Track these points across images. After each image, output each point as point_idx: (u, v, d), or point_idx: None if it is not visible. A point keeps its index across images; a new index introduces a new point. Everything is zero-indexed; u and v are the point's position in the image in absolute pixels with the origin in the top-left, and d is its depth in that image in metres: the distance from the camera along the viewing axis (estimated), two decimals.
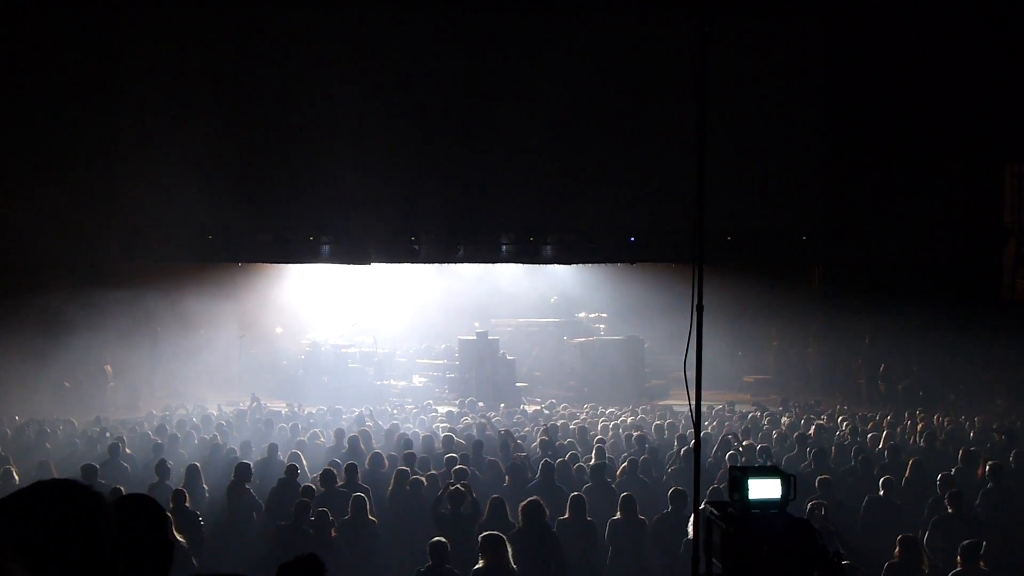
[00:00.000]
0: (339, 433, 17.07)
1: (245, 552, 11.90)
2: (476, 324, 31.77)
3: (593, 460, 14.37)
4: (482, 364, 27.39)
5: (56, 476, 12.67)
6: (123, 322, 25.67)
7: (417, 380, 28.95)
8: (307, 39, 26.37)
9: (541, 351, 30.39)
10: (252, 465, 13.77)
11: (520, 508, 10.86)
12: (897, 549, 10.17)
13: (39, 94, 24.79)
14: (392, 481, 13.11)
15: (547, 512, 10.91)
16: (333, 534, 11.11)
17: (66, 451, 16.04)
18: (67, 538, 2.49)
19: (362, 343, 29.43)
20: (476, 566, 9.49)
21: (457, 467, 13.42)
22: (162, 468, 13.60)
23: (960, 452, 14.98)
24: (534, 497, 11.11)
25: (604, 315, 31.22)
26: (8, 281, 24.81)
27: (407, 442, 16.28)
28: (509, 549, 9.53)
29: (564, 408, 23.40)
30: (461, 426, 19.33)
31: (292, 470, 13.32)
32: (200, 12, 26.34)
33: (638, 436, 16.64)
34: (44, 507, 2.52)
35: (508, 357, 27.93)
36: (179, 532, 9.71)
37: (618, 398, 25.55)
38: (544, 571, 10.47)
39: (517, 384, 28.22)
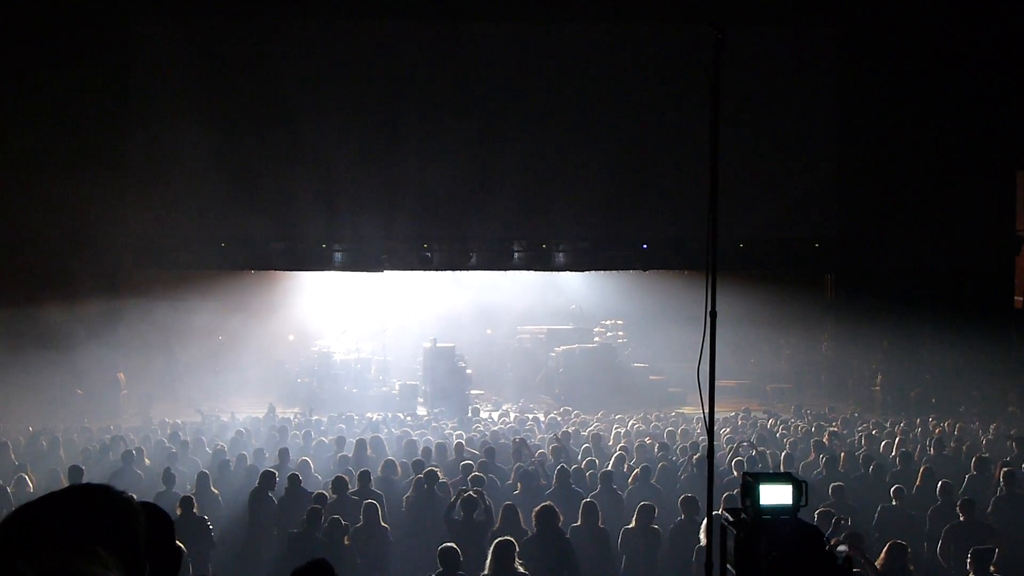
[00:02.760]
0: (343, 441, 17.12)
1: (262, 559, 11.93)
2: (489, 331, 31.75)
3: (610, 467, 14.43)
4: (435, 372, 27.38)
5: (67, 484, 12.73)
6: (136, 330, 25.74)
7: (399, 387, 28.87)
8: (320, 46, 26.46)
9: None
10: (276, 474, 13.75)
11: (533, 514, 10.87)
12: (882, 554, 10.11)
13: (50, 100, 24.85)
14: (411, 488, 13.15)
15: (561, 518, 10.91)
16: (346, 542, 11.10)
17: (80, 459, 16.06)
18: (105, 539, 2.51)
19: (355, 350, 29.43)
20: (483, 572, 9.52)
21: (473, 474, 13.39)
22: (168, 476, 13.65)
23: (974, 459, 14.95)
24: (547, 503, 11.12)
25: (620, 322, 31.12)
26: (22, 289, 24.88)
27: (423, 450, 16.31)
28: (517, 555, 9.54)
29: (577, 416, 23.40)
30: (475, 434, 19.40)
31: (294, 478, 13.27)
32: (212, 21, 26.43)
33: (650, 443, 16.67)
34: (82, 508, 2.54)
35: (460, 364, 27.85)
36: (188, 538, 9.74)
37: (588, 404, 25.51)
38: None
39: (471, 392, 28.07)
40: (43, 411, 22.64)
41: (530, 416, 23.31)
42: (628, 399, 26.71)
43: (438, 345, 27.69)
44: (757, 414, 22.82)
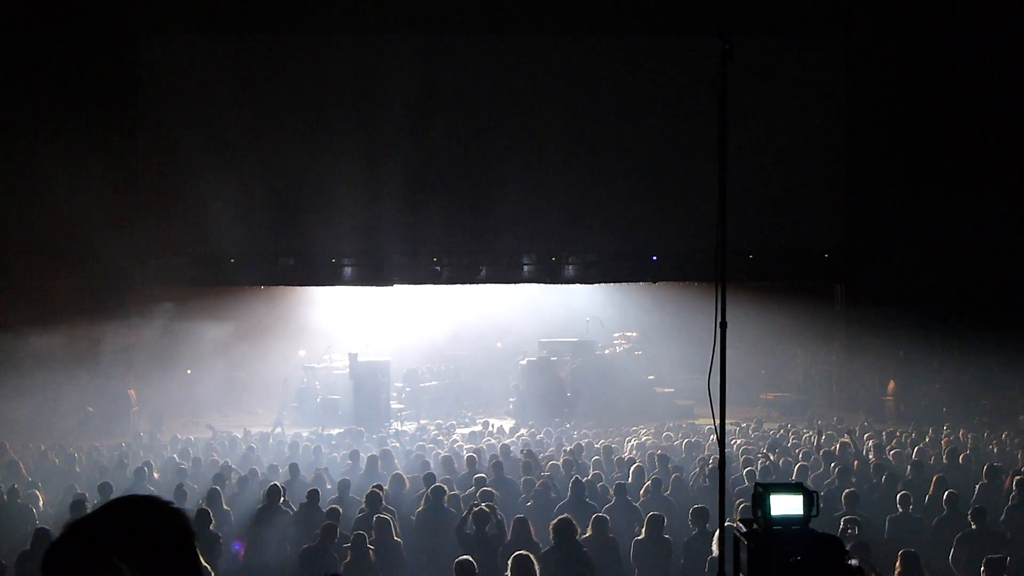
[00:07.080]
0: (354, 455, 17.12)
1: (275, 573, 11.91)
2: (498, 344, 31.74)
3: (630, 480, 14.43)
4: (357, 387, 27.38)
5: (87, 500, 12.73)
6: (146, 347, 25.78)
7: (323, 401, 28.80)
8: (331, 64, 26.53)
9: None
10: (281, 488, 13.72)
11: (551, 526, 10.83)
12: (898, 564, 10.13)
13: (58, 116, 24.86)
14: (420, 502, 13.11)
15: (578, 530, 10.89)
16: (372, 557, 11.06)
17: (92, 476, 16.08)
18: (161, 548, 2.55)
19: (340, 365, 29.49)
20: None
21: (483, 488, 13.36)
22: (179, 493, 13.63)
23: (985, 468, 14.91)
24: (565, 515, 11.10)
25: (633, 334, 31.03)
26: (31, 308, 24.89)
27: (426, 463, 16.32)
28: (538, 569, 9.50)
29: (587, 428, 23.42)
30: (484, 446, 19.40)
31: (314, 494, 13.26)
32: (227, 38, 26.43)
33: (660, 455, 16.66)
34: (136, 519, 2.58)
35: (380, 379, 27.86)
36: (200, 554, 9.69)
37: (541, 418, 25.60)
38: None
39: (392, 405, 28.27)
40: (54, 429, 22.68)
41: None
42: (575, 412, 26.75)
43: (360, 360, 27.60)
44: (769, 425, 22.82)
